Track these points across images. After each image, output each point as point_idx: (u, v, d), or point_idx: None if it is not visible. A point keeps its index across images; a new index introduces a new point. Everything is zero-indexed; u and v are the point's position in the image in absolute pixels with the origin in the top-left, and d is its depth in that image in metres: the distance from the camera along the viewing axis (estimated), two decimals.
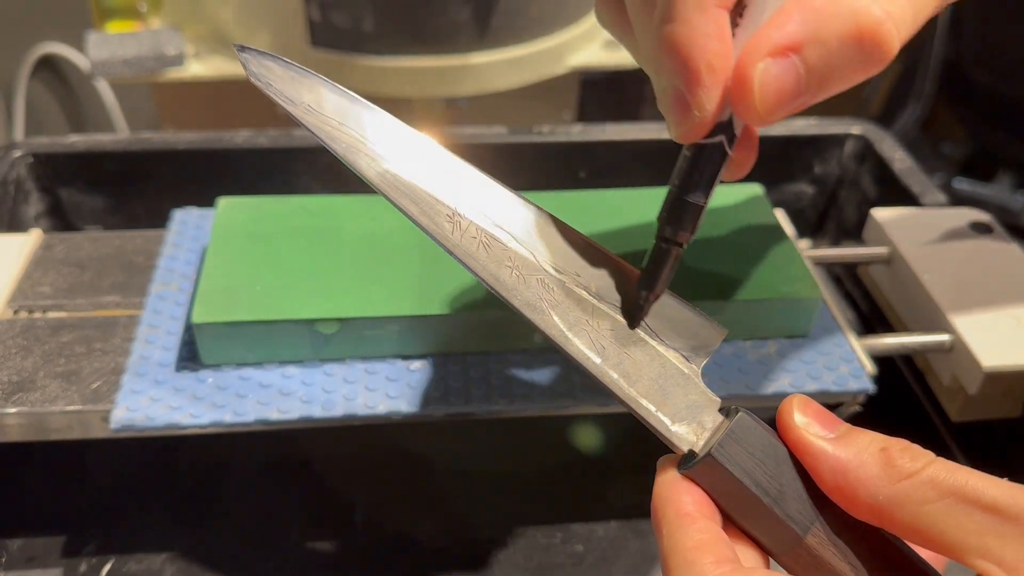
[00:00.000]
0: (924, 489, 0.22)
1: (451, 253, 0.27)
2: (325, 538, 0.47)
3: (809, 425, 0.24)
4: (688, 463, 0.25)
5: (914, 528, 0.22)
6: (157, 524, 0.48)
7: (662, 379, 0.26)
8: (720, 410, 0.26)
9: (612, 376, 0.26)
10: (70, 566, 0.45)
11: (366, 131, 0.28)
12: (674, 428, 0.26)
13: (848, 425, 0.24)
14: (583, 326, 0.27)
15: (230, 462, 0.51)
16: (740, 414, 0.25)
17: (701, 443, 0.25)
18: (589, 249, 0.28)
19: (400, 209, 0.27)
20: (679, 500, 0.25)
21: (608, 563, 0.47)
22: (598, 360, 0.26)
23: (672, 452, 0.26)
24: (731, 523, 0.25)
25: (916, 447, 0.23)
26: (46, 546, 0.46)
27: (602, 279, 0.27)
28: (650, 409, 0.26)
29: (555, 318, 0.27)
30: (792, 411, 0.25)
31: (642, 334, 0.27)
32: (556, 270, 0.27)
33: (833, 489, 0.23)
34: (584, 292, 0.27)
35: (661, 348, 0.27)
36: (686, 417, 0.26)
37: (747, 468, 0.24)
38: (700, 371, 0.27)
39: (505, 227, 0.27)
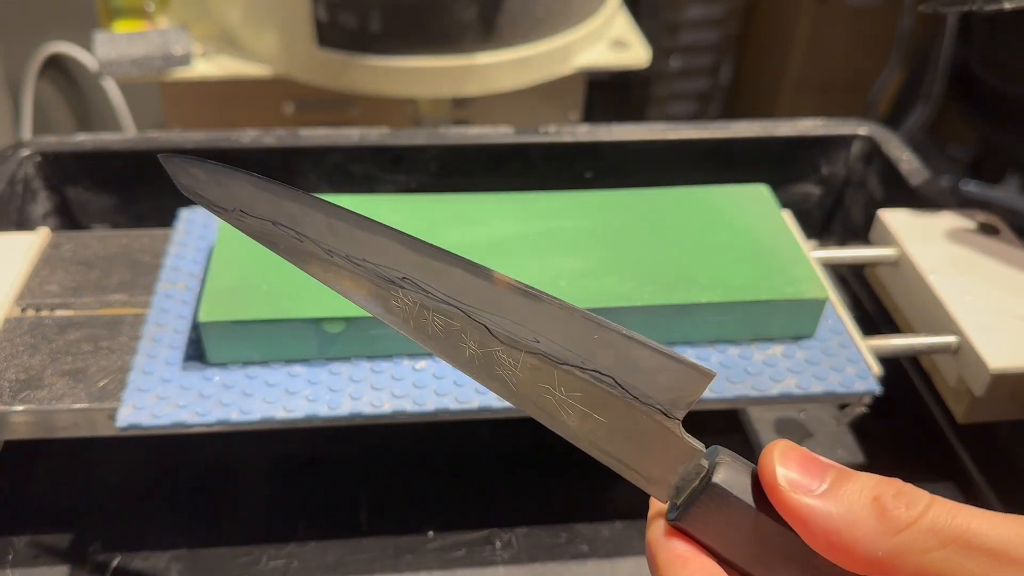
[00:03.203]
0: (924, 538, 0.21)
1: (409, 337, 0.26)
2: (330, 536, 0.47)
3: (794, 483, 0.23)
4: (672, 514, 0.25)
5: None
6: (163, 522, 0.48)
7: (637, 435, 0.25)
8: (706, 455, 0.25)
9: (588, 440, 0.25)
10: (76, 564, 0.45)
11: (299, 227, 0.26)
12: (654, 483, 0.25)
13: (836, 469, 0.23)
14: (547, 395, 0.25)
15: (236, 460, 0.52)
16: (715, 479, 0.24)
17: (683, 496, 0.25)
18: (546, 306, 0.25)
19: (352, 301, 0.27)
20: (670, 545, 0.24)
21: (613, 563, 0.47)
22: (570, 425, 0.25)
23: None
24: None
25: (909, 489, 0.22)
26: (52, 543, 0.46)
27: (562, 337, 0.25)
28: (628, 467, 0.25)
29: (519, 389, 0.25)
30: (773, 466, 0.23)
31: (614, 391, 0.25)
32: (512, 338, 0.25)
33: (827, 549, 0.22)
34: (544, 358, 0.25)
35: (634, 404, 0.25)
36: (666, 470, 0.25)
37: (723, 532, 0.24)
38: (680, 420, 0.25)
39: (454, 300, 0.25)
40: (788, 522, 0.23)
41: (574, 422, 0.25)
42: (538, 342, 0.25)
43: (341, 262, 0.26)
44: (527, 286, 0.25)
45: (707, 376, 0.25)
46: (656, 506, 0.26)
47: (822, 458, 0.24)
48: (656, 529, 0.25)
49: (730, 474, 0.24)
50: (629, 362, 0.25)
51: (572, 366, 0.25)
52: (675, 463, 0.25)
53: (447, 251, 0.25)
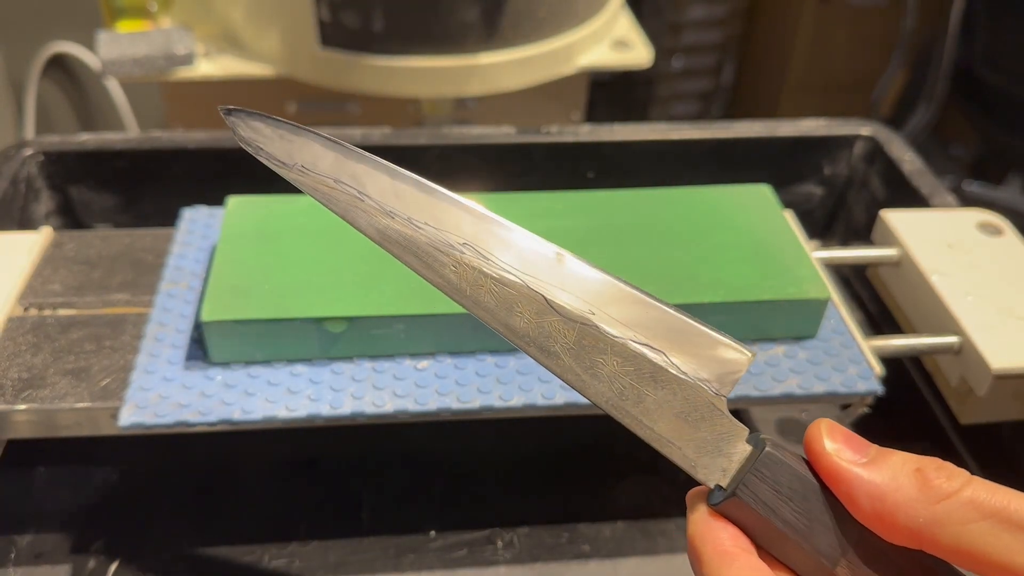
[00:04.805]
0: (965, 510, 0.22)
1: (461, 304, 0.26)
2: (332, 536, 0.47)
3: (840, 451, 0.24)
4: (717, 498, 0.25)
5: (957, 548, 0.22)
6: (165, 521, 0.48)
7: (686, 412, 0.25)
8: (749, 438, 0.25)
9: (633, 415, 0.25)
10: (78, 563, 0.46)
11: (362, 186, 0.27)
12: (700, 464, 0.25)
13: (878, 447, 0.24)
14: (599, 368, 0.26)
15: (238, 460, 0.52)
16: (767, 448, 0.24)
17: (728, 478, 0.25)
18: (601, 281, 0.26)
19: (405, 264, 0.27)
20: (716, 538, 0.24)
21: (615, 563, 0.47)
22: (618, 401, 0.26)
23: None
24: (766, 551, 0.25)
25: (950, 465, 0.23)
26: (54, 543, 0.46)
27: (616, 311, 0.26)
28: (674, 446, 0.25)
29: (570, 361, 0.26)
30: (821, 438, 0.24)
31: (665, 366, 0.26)
32: (569, 309, 0.26)
33: (871, 515, 0.23)
34: (599, 330, 0.26)
35: (685, 378, 0.26)
36: (712, 450, 0.25)
37: (772, 505, 0.24)
38: (726, 399, 0.26)
39: (513, 269, 0.26)
40: (833, 490, 0.24)
41: (624, 397, 0.26)
42: (593, 314, 0.26)
43: (401, 224, 0.26)
44: (585, 260, 0.26)
45: (748, 355, 0.26)
46: (696, 501, 0.26)
47: (861, 437, 0.25)
48: (699, 518, 0.25)
49: (779, 448, 0.24)
50: (680, 339, 0.26)
51: (626, 339, 0.26)
52: (722, 442, 0.25)
53: (509, 221, 0.26)
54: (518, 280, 0.26)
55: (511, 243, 0.26)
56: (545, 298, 0.26)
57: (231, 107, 0.28)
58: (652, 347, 0.26)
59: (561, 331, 0.26)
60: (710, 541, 0.24)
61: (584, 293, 0.26)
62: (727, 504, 0.24)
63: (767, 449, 0.24)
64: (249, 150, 0.27)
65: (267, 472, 0.51)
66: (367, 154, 0.27)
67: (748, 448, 0.25)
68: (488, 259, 0.26)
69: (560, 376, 0.26)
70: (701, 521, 0.25)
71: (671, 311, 0.26)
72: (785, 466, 0.24)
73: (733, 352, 0.26)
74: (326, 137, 0.27)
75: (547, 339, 0.26)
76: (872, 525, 0.23)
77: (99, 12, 0.93)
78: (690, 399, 0.25)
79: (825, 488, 0.24)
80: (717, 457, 0.25)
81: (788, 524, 0.24)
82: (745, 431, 0.25)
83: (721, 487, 0.25)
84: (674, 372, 0.26)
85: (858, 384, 0.44)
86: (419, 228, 0.26)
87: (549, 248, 0.26)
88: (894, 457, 0.23)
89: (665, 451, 0.25)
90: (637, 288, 0.26)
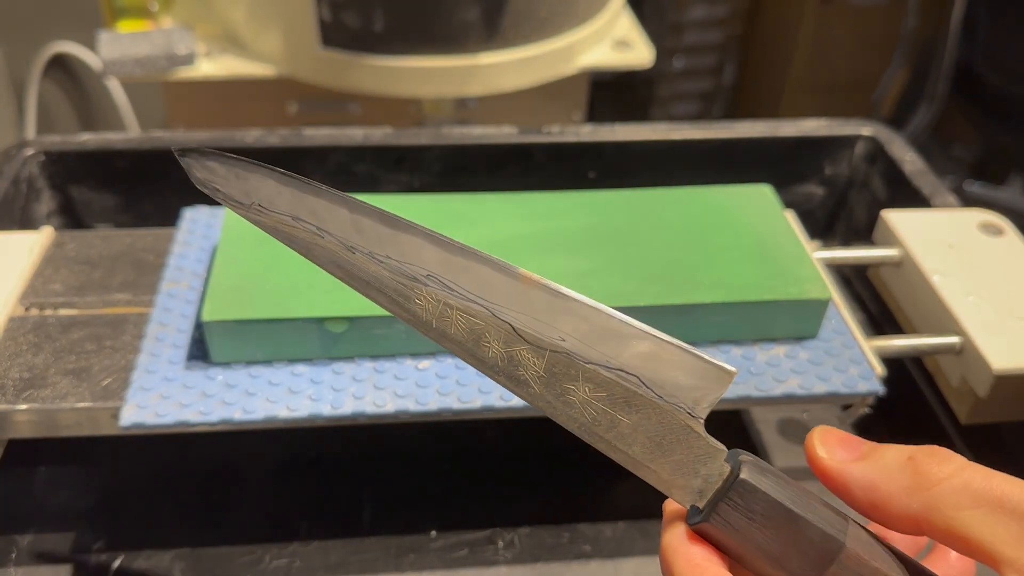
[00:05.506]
0: (957, 495, 0.22)
1: (429, 337, 0.26)
2: (333, 536, 0.47)
3: (833, 453, 0.24)
4: (694, 518, 0.25)
5: (950, 534, 0.22)
6: (166, 521, 0.48)
7: (660, 435, 0.25)
8: (727, 457, 0.25)
9: (607, 440, 0.25)
10: (79, 563, 0.46)
11: (321, 222, 0.26)
12: (676, 486, 0.25)
13: (872, 443, 0.24)
14: (571, 395, 0.25)
15: (239, 460, 0.52)
16: (740, 475, 0.24)
17: (705, 500, 0.25)
18: (572, 306, 0.25)
19: (372, 300, 0.26)
20: (688, 553, 0.24)
21: (615, 563, 0.47)
22: (592, 427, 0.25)
23: None
24: (742, 567, 0.25)
25: (943, 451, 0.23)
26: (56, 542, 0.46)
27: (587, 335, 0.25)
28: (649, 469, 0.25)
29: (541, 389, 0.25)
30: (815, 445, 0.25)
31: (638, 390, 0.25)
32: (537, 337, 0.25)
33: (867, 506, 0.23)
34: (570, 357, 0.25)
35: (660, 402, 0.25)
36: (688, 472, 0.25)
37: (745, 532, 0.24)
38: (703, 420, 0.25)
39: (479, 298, 0.25)
40: (830, 489, 0.24)
41: (597, 423, 0.25)
42: (564, 341, 0.25)
43: (363, 259, 0.26)
44: (553, 284, 0.25)
45: (729, 375, 0.25)
46: (671, 511, 0.26)
47: (858, 437, 0.25)
48: (675, 534, 0.25)
49: (755, 473, 0.24)
50: (654, 361, 0.25)
51: (598, 365, 0.25)
52: (698, 464, 0.25)
53: (473, 249, 0.25)
54: (484, 310, 0.25)
55: (476, 271, 0.25)
56: (513, 327, 0.25)
57: (185, 147, 0.27)
58: (625, 371, 0.25)
59: (531, 360, 0.25)
60: (682, 555, 0.24)
61: (553, 319, 0.25)
62: (702, 526, 0.24)
63: (740, 476, 0.24)
64: (206, 191, 0.27)
65: (268, 472, 0.51)
66: (324, 187, 0.26)
67: (727, 468, 0.25)
68: (453, 290, 0.25)
69: (531, 404, 0.25)
70: (676, 537, 0.25)
71: (646, 331, 0.25)
72: (759, 493, 0.24)
73: (711, 371, 0.25)
74: (281, 172, 0.26)
75: (516, 368, 0.25)
76: (870, 516, 0.24)
77: (100, 12, 0.93)
78: (665, 422, 0.25)
79: (800, 512, 0.24)
80: (693, 479, 0.25)
81: (761, 549, 0.24)
82: (723, 451, 0.25)
83: (698, 508, 0.25)
84: (648, 396, 0.25)
85: (859, 384, 0.44)
86: (381, 261, 0.25)
87: (517, 273, 0.25)
88: (887, 450, 0.24)
89: (641, 474, 0.25)
90: (610, 309, 0.25)
